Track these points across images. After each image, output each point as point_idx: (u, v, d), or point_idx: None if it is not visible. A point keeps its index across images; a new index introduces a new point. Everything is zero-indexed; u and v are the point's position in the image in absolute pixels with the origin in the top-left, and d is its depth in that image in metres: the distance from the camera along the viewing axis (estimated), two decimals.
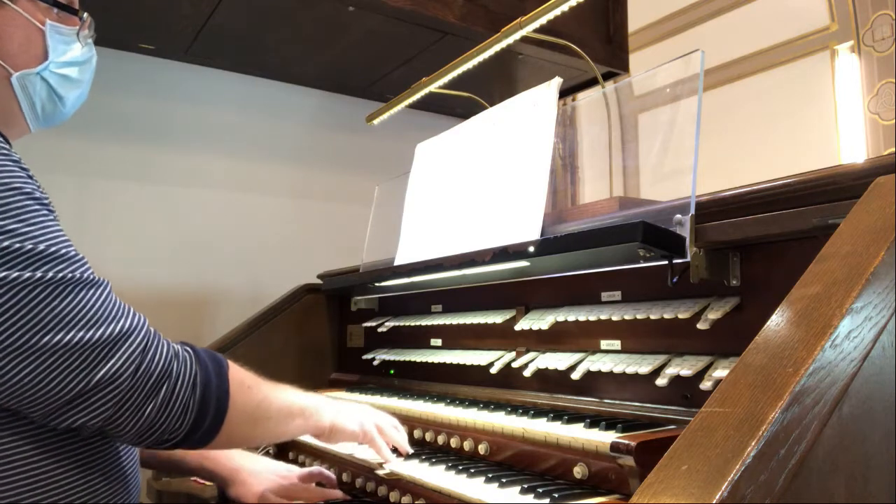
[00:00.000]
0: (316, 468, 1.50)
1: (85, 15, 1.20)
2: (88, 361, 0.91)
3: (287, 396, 1.20)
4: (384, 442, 1.33)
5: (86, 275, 0.96)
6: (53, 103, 1.16)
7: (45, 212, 0.96)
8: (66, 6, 1.16)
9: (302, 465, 1.64)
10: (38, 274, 0.90)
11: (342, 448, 1.49)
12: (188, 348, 1.05)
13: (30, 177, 0.98)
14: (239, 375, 1.10)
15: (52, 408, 0.91)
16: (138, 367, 0.95)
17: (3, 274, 0.88)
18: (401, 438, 1.38)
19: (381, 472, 1.34)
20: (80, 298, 0.93)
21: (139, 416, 0.95)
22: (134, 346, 0.95)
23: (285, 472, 1.44)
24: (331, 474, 1.48)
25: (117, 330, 0.95)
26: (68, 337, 0.90)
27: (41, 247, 0.92)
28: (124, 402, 0.94)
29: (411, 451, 1.39)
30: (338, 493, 1.43)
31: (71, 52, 1.16)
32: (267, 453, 1.80)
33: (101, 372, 0.92)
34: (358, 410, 1.33)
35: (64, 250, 0.94)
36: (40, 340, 0.89)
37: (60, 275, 0.92)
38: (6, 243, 0.89)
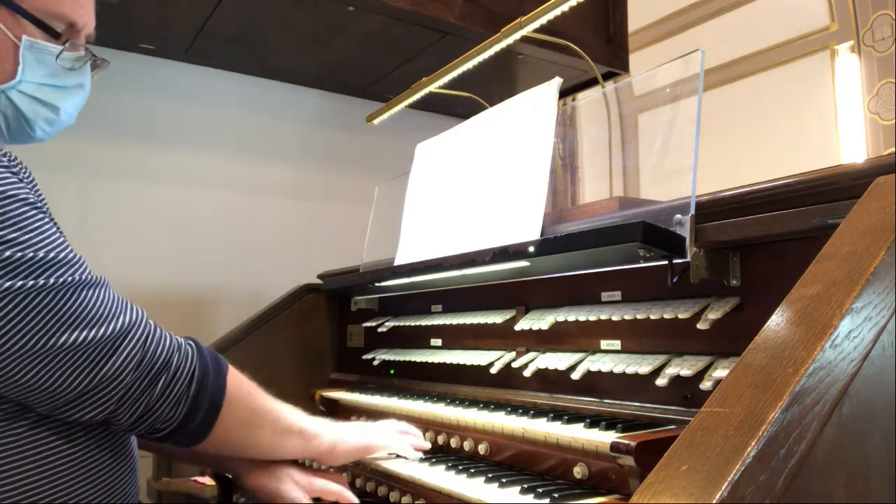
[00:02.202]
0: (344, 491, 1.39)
1: (76, 40, 1.12)
2: (92, 359, 0.94)
3: (287, 412, 1.18)
4: (403, 444, 1.33)
5: (84, 276, 0.98)
6: (20, 125, 1.12)
7: (40, 216, 0.97)
8: (47, 27, 1.08)
9: (301, 464, 1.64)
10: (41, 281, 0.92)
11: None
12: (192, 343, 1.07)
13: (20, 180, 0.98)
14: (238, 379, 1.11)
15: (58, 404, 0.94)
16: (140, 362, 0.97)
17: (8, 283, 0.90)
18: (416, 441, 1.37)
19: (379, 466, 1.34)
20: (80, 299, 0.95)
21: (137, 405, 0.98)
22: (135, 340, 0.98)
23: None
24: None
25: (118, 327, 0.97)
26: (73, 337, 0.93)
27: (40, 254, 0.94)
28: (125, 395, 0.96)
29: (428, 446, 1.38)
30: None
31: (45, 73, 1.10)
32: None
33: (105, 369, 0.94)
34: (358, 426, 1.32)
35: (62, 255, 0.96)
36: (46, 344, 0.91)
37: (61, 280, 0.94)
38: (7, 253, 0.91)
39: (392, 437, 1.35)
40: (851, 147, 3.82)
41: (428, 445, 1.38)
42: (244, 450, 1.18)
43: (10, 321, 0.90)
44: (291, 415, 1.19)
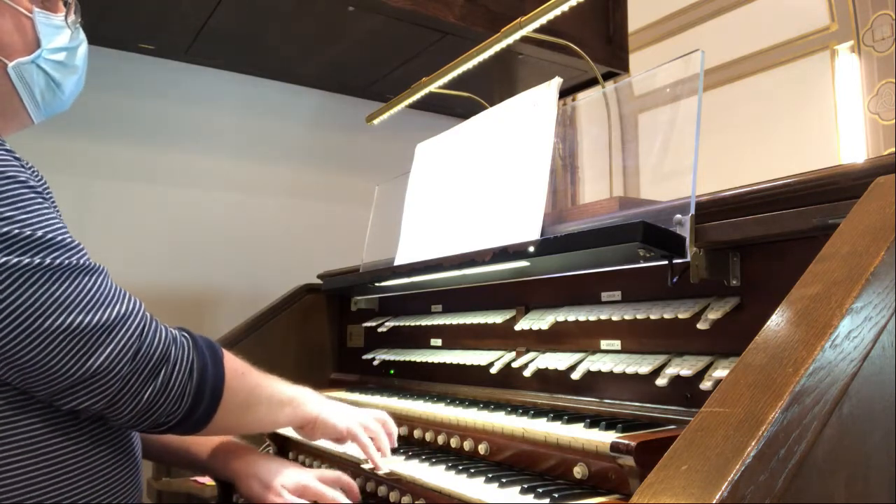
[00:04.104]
0: (342, 477, 1.37)
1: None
2: (87, 346, 0.93)
3: (277, 385, 1.22)
4: (369, 440, 1.29)
5: (83, 261, 0.98)
6: (52, 91, 1.17)
7: (39, 199, 0.98)
8: None
9: (302, 464, 1.64)
10: (37, 260, 0.92)
11: (341, 448, 1.49)
12: (185, 334, 1.07)
13: (23, 167, 0.99)
14: (233, 363, 1.13)
15: (54, 390, 0.94)
16: (136, 352, 0.97)
17: (3, 259, 0.90)
18: (386, 441, 1.33)
19: (380, 473, 1.33)
20: (77, 284, 0.95)
21: (137, 399, 0.98)
22: (131, 330, 0.97)
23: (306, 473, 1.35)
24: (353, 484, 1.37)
25: (114, 314, 0.97)
26: (68, 321, 0.92)
27: (38, 233, 0.94)
28: (123, 387, 0.96)
29: (393, 448, 1.35)
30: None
31: (60, 38, 1.16)
32: (267, 453, 1.79)
33: (101, 357, 0.94)
34: (344, 407, 1.32)
35: (60, 237, 0.96)
36: (42, 324, 0.91)
37: (58, 261, 0.94)
38: (5, 229, 0.91)
39: (362, 430, 1.30)
40: (851, 147, 3.82)
41: (390, 450, 1.33)
42: (242, 428, 1.22)
43: (5, 297, 0.90)
44: (280, 386, 1.23)
